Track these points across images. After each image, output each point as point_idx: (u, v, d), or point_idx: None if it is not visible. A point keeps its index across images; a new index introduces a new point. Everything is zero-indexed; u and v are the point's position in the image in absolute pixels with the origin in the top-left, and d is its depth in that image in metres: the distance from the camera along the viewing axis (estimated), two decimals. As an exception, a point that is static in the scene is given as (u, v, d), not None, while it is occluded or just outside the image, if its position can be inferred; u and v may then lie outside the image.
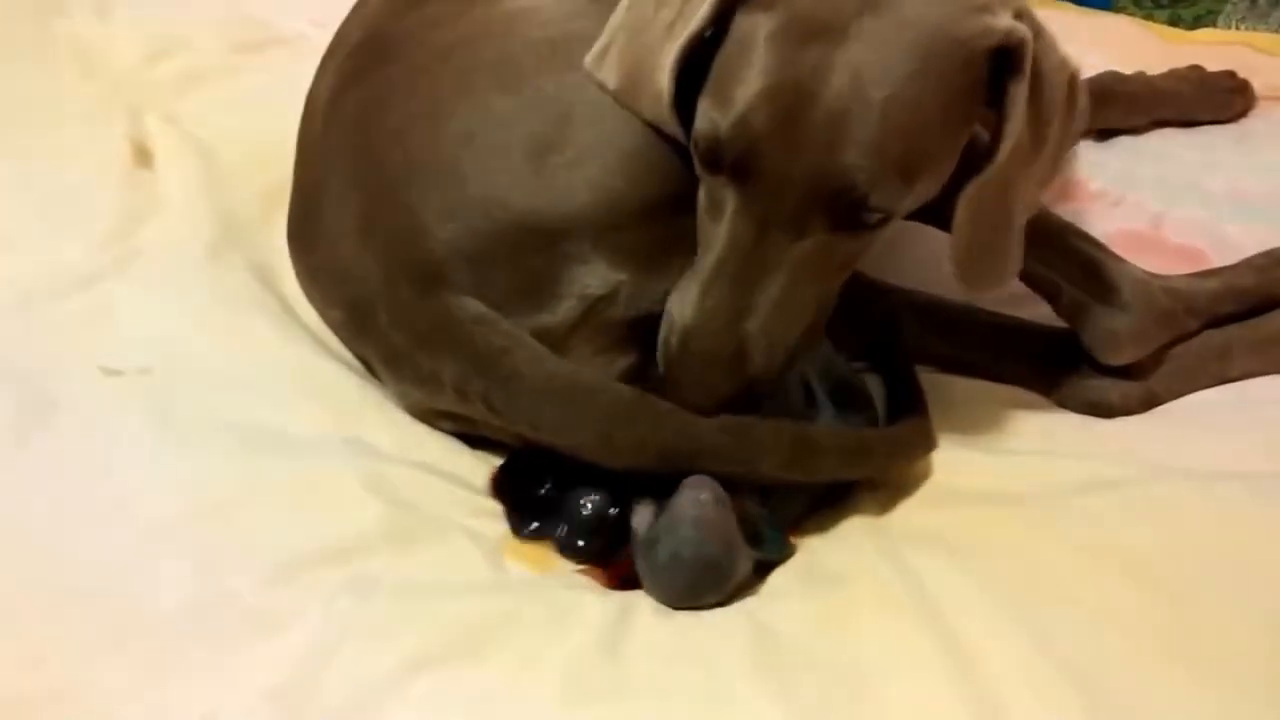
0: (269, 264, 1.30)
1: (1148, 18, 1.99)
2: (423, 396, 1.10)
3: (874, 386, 1.18)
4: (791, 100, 0.92)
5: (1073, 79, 1.02)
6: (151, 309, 1.22)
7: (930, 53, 0.93)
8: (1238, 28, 1.95)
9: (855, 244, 1.00)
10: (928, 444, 1.09)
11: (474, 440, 1.13)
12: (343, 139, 1.14)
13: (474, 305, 1.04)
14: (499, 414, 1.04)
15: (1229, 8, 2.01)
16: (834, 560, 1.02)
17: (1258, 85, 1.66)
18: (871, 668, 0.90)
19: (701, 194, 1.01)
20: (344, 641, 0.90)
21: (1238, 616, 0.90)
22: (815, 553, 1.04)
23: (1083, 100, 1.05)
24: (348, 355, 1.19)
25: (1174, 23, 1.99)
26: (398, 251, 1.06)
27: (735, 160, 0.95)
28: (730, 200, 0.96)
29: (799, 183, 0.93)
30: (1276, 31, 1.91)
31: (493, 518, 1.05)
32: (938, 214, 1.03)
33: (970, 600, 0.94)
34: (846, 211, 0.95)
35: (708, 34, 0.98)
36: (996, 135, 0.98)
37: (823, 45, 0.92)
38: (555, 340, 1.05)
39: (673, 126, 1.02)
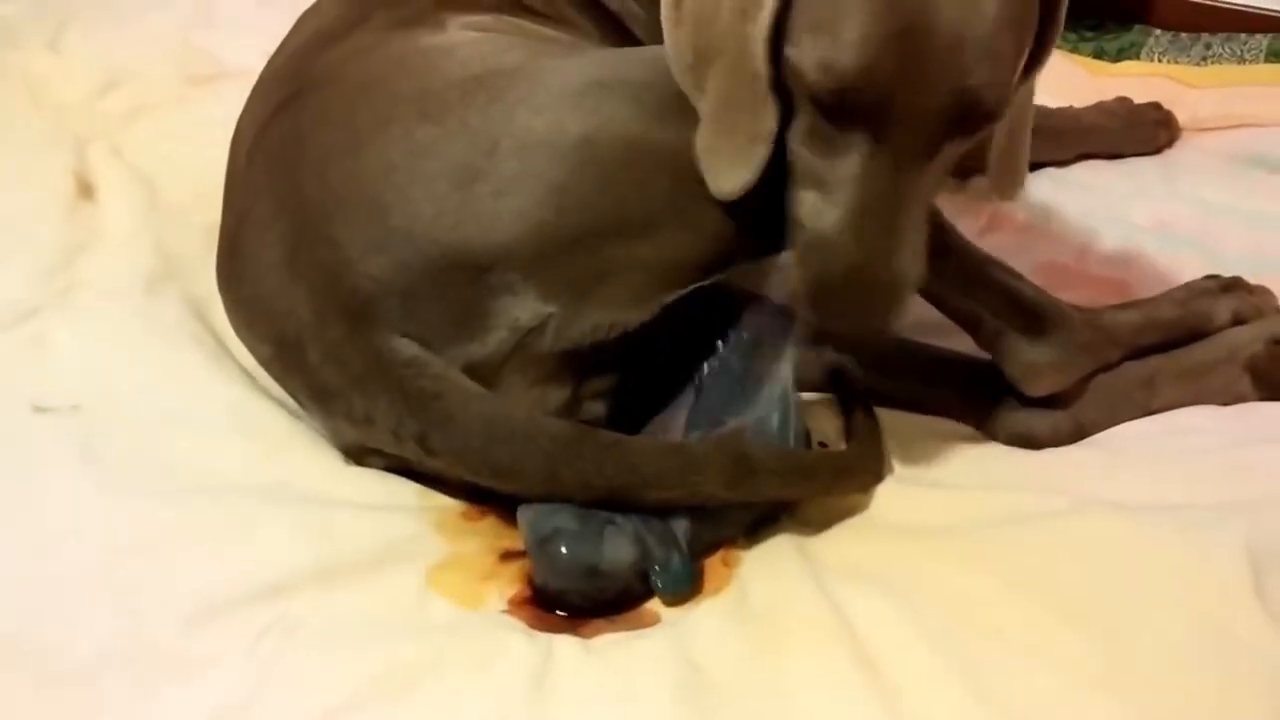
0: (206, 299, 1.26)
1: (1072, 50, 1.97)
2: (356, 435, 1.06)
3: (832, 415, 1.16)
4: (912, 37, 0.88)
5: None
6: (86, 344, 1.19)
7: None
8: (1160, 60, 1.93)
9: (966, 145, 0.97)
10: (876, 472, 1.07)
11: (406, 473, 1.08)
12: (266, 172, 1.10)
13: (405, 347, 1.00)
14: (436, 456, 1.01)
15: (1151, 41, 1.99)
16: (764, 594, 0.98)
17: (1180, 117, 1.65)
18: (800, 707, 0.86)
19: (803, 134, 0.96)
20: (265, 687, 0.86)
21: (1162, 652, 0.87)
22: (746, 586, 1.00)
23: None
24: (280, 390, 1.14)
25: (1098, 55, 1.97)
26: (324, 286, 1.02)
27: (868, 109, 0.91)
28: (859, 143, 0.93)
29: (933, 114, 0.90)
30: (1198, 64, 1.90)
31: (421, 554, 1.01)
32: None
33: (900, 638, 0.90)
34: (973, 125, 0.93)
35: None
36: (1042, 38, 0.97)
37: None
38: (488, 374, 1.01)
39: (769, 105, 0.97)
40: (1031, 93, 1.00)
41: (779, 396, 1.05)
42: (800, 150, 0.97)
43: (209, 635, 0.89)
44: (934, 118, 0.91)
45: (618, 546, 0.97)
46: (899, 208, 0.94)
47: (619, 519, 0.99)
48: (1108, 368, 1.15)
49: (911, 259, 0.96)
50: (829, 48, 0.90)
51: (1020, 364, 1.12)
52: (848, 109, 0.92)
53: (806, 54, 0.92)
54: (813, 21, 0.92)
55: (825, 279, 0.97)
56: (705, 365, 1.07)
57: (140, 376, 1.14)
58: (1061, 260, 1.42)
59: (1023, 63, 0.97)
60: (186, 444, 1.07)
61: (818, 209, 0.97)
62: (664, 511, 0.99)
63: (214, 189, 1.25)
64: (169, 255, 1.33)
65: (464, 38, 1.12)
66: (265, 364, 1.13)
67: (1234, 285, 1.24)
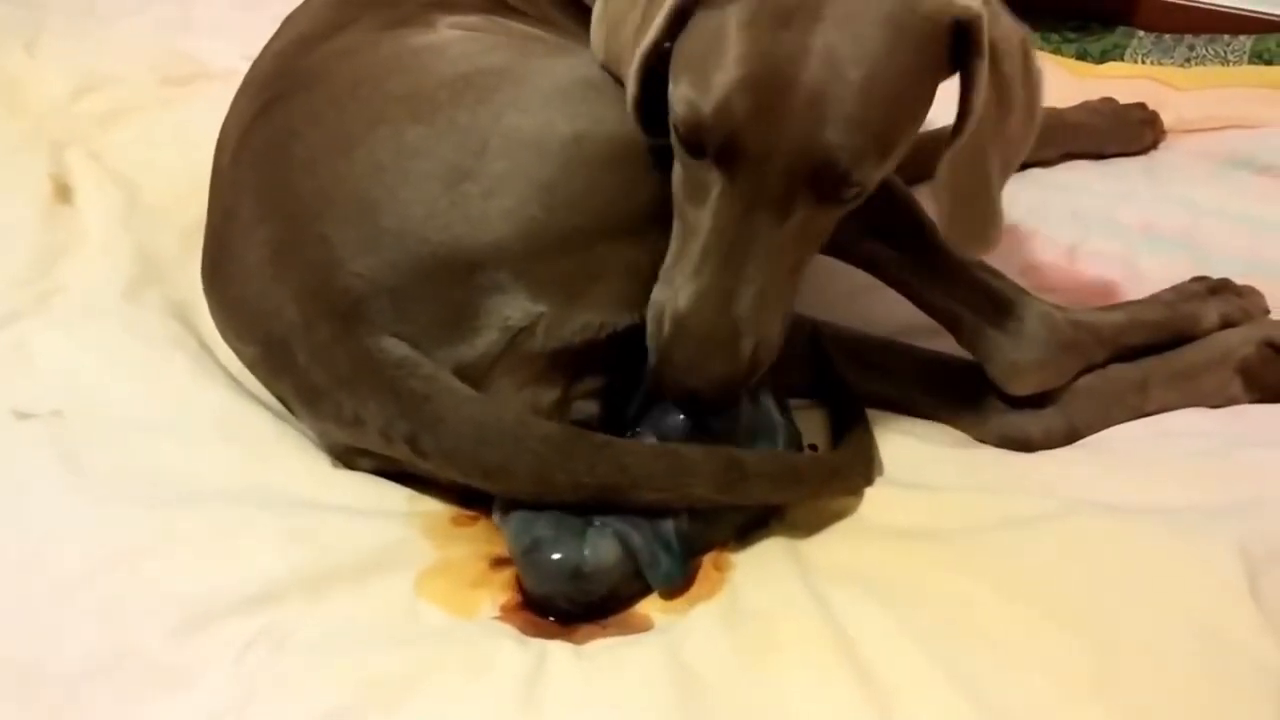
0: (188, 302, 1.25)
1: (1056, 52, 1.98)
2: (345, 436, 1.05)
3: (822, 418, 1.16)
4: (771, 86, 0.90)
5: (1024, 42, 1.01)
6: (67, 349, 1.17)
7: (899, 28, 0.91)
8: (1144, 62, 1.94)
9: (833, 215, 0.99)
10: (866, 475, 1.07)
11: (394, 475, 1.07)
12: (252, 172, 1.09)
13: (395, 347, 0.99)
14: (427, 458, 1.00)
15: (1135, 42, 2.00)
16: (756, 598, 0.97)
17: (1166, 118, 1.66)
18: (793, 711, 0.86)
19: (678, 177, 0.99)
20: (254, 697, 0.85)
21: (1157, 656, 0.87)
22: (738, 590, 0.99)
23: (1037, 62, 1.04)
24: (266, 395, 1.13)
25: (1081, 57, 1.97)
26: (313, 286, 1.01)
27: (719, 147, 0.93)
28: (714, 184, 0.95)
29: (783, 165, 0.92)
30: (1182, 66, 1.90)
31: (410, 560, 1.00)
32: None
33: (892, 642, 0.90)
34: (829, 188, 0.94)
35: (667, 45, 0.98)
36: (963, 108, 0.97)
37: (796, 29, 0.90)
38: (479, 375, 1.01)
39: (637, 127, 1.01)
40: (972, 156, 0.99)
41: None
42: (675, 186, 1.00)
43: (195, 645, 0.88)
44: (785, 171, 0.92)
45: (599, 547, 0.97)
46: (745, 257, 0.95)
47: (599, 520, 0.99)
48: (1095, 368, 1.16)
49: (754, 313, 0.96)
50: (695, 87, 0.93)
51: (1002, 363, 1.12)
52: (703, 147, 0.94)
53: (679, 90, 0.94)
54: (690, 61, 0.94)
55: (661, 321, 0.98)
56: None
57: (122, 381, 1.13)
58: (1049, 261, 1.43)
59: (907, 140, 0.97)
60: (170, 449, 1.05)
61: (673, 245, 0.99)
62: (654, 512, 0.99)
63: (194, 191, 1.25)
64: (149, 258, 1.32)
65: (453, 37, 1.12)
66: (252, 366, 1.12)
67: (1222, 287, 1.25)
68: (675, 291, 0.97)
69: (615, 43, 1.04)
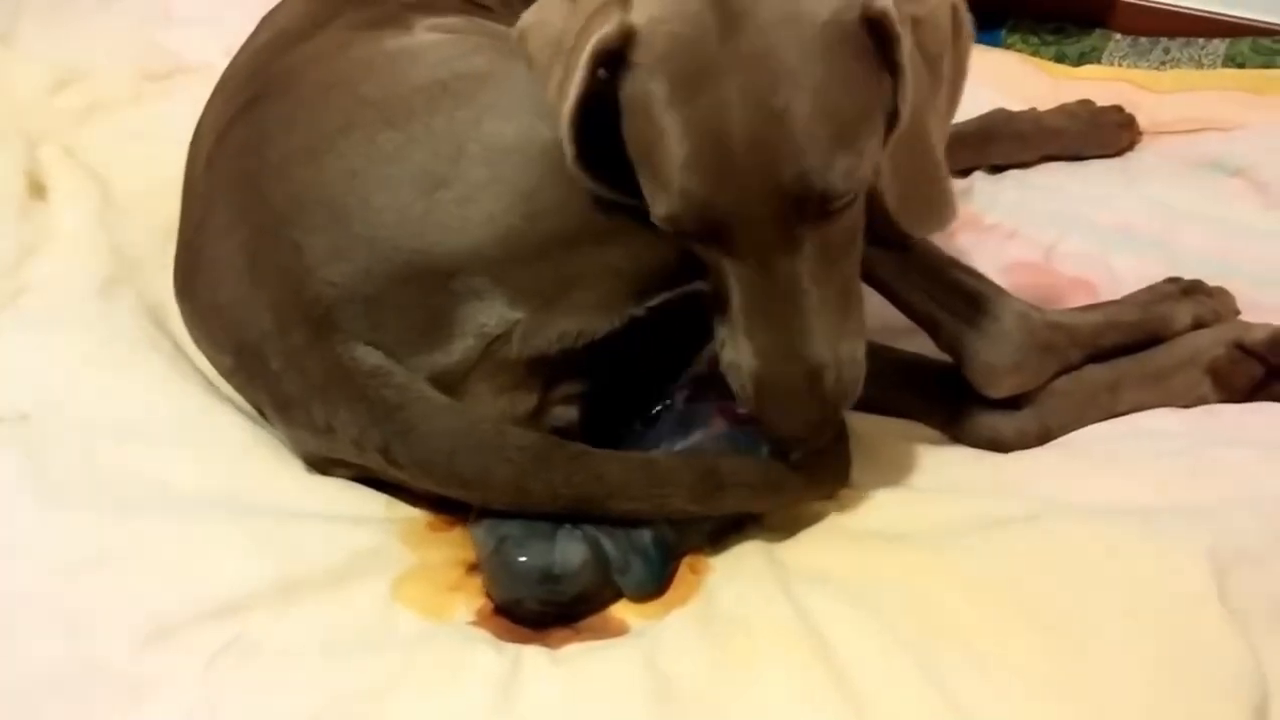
0: (162, 303, 1.23)
1: (1034, 53, 1.97)
2: (318, 445, 1.04)
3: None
4: (715, 153, 0.88)
5: (955, 9, 0.99)
6: (36, 350, 1.15)
7: (804, 42, 0.89)
8: (1120, 64, 1.94)
9: (847, 220, 0.96)
10: (839, 478, 1.06)
11: (372, 483, 1.06)
12: (225, 176, 1.08)
13: (369, 355, 0.98)
14: (400, 467, 0.99)
15: (1112, 45, 2.00)
16: (732, 602, 0.97)
17: (1141, 121, 1.65)
18: (770, 715, 0.86)
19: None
20: (222, 708, 0.84)
21: (1130, 658, 0.87)
22: (714, 594, 0.99)
23: (968, 24, 1.02)
24: (240, 399, 1.12)
25: (1059, 59, 1.97)
26: (286, 293, 1.00)
27: (699, 230, 0.92)
28: (717, 256, 0.94)
29: (767, 214, 0.90)
30: (1157, 68, 1.90)
31: (386, 566, 0.99)
32: None
33: (868, 644, 0.90)
34: (819, 208, 0.91)
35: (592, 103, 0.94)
36: (897, 95, 0.95)
37: (710, 87, 0.88)
38: (454, 382, 1.00)
39: (585, 182, 0.97)
40: (914, 138, 0.97)
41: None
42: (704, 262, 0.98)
43: (162, 655, 0.87)
44: (770, 219, 0.90)
45: (568, 549, 0.97)
46: (784, 302, 0.93)
47: (570, 524, 0.98)
48: (1070, 369, 1.15)
49: (825, 345, 0.94)
50: (655, 182, 0.92)
51: (980, 365, 1.12)
52: (688, 234, 0.93)
53: (647, 189, 0.93)
54: (638, 150, 0.93)
55: (752, 397, 0.97)
56: (660, 405, 1.07)
57: (92, 384, 1.11)
58: (1029, 261, 1.42)
59: (872, 126, 0.94)
60: (140, 456, 1.04)
61: (721, 331, 0.98)
62: (630, 521, 0.98)
63: (170, 188, 1.23)
64: (124, 257, 1.30)
65: (430, 40, 1.10)
66: (227, 375, 1.11)
67: (1194, 289, 1.24)
68: (741, 353, 0.96)
69: (541, 86, 1.01)
